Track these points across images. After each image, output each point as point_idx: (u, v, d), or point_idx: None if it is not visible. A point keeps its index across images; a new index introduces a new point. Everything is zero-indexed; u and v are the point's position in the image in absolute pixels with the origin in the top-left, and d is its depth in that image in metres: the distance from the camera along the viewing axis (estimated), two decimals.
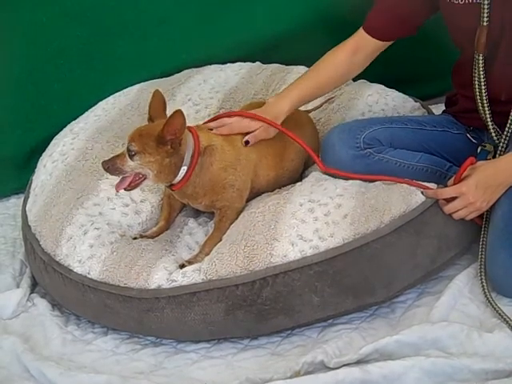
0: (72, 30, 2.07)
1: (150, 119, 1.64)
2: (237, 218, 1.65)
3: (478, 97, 1.68)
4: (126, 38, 2.12)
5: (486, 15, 1.58)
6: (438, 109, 1.99)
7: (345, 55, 1.76)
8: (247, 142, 1.71)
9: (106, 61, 2.13)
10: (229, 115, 1.76)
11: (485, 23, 1.59)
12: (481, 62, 1.64)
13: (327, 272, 1.52)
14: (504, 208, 1.59)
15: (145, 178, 1.59)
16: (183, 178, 1.61)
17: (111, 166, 1.57)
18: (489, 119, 1.69)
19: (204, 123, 1.76)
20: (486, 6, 1.57)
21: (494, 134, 1.71)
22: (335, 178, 1.71)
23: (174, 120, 1.54)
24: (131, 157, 1.56)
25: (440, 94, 2.07)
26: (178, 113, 1.54)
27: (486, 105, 1.68)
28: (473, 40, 1.63)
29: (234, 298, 1.52)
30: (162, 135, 1.55)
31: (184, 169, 1.60)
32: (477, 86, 1.67)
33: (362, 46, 1.76)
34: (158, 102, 1.65)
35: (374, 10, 1.75)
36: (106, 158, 1.60)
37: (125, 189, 1.60)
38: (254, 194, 1.73)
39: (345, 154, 1.72)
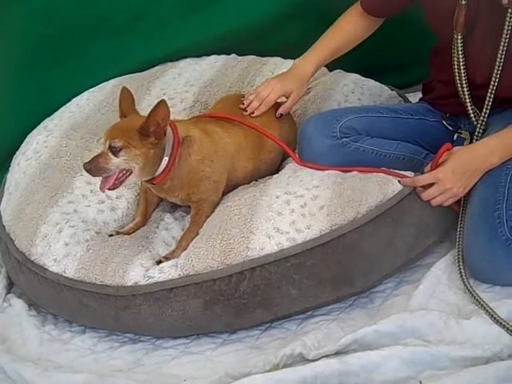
0: (42, 28, 2.03)
1: (123, 116, 1.63)
2: (213, 211, 1.64)
3: (457, 78, 1.68)
4: (100, 34, 2.09)
5: None
6: (416, 97, 1.99)
7: (359, 15, 1.83)
8: (281, 115, 1.81)
9: (79, 58, 2.10)
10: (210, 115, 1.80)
11: (463, 2, 1.59)
12: (459, 42, 1.64)
13: (305, 264, 1.51)
14: (480, 193, 1.59)
15: (130, 174, 1.57)
16: (165, 169, 1.59)
17: (94, 166, 1.53)
18: (468, 101, 1.69)
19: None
20: None
21: (472, 116, 1.71)
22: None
23: (159, 110, 1.54)
24: (115, 153, 1.54)
25: (417, 82, 2.07)
26: (162, 103, 1.54)
27: (465, 86, 1.68)
28: (450, 21, 1.63)
29: (211, 292, 1.51)
30: (146, 127, 1.54)
31: (165, 159, 1.59)
32: (456, 67, 1.67)
33: None
34: (127, 99, 1.64)
35: None
36: (87, 160, 1.56)
37: (109, 188, 1.57)
38: (231, 187, 1.72)
39: (321, 143, 1.71)
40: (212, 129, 1.71)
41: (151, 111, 1.54)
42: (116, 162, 1.54)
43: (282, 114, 1.81)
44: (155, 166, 1.58)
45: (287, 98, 1.82)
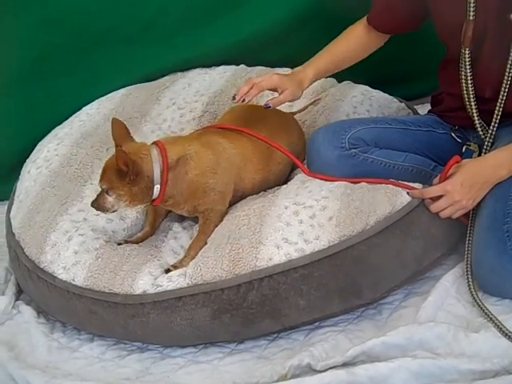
0: (52, 38, 2.04)
1: (118, 146, 1.62)
2: (220, 221, 1.64)
3: (465, 92, 1.69)
4: (109, 43, 2.10)
5: (472, 9, 1.59)
6: (424, 109, 1.99)
7: (364, 29, 1.81)
8: (268, 106, 1.71)
9: (89, 67, 2.11)
10: (217, 126, 1.79)
11: (471, 17, 1.60)
12: (467, 56, 1.64)
13: (313, 275, 1.51)
14: (489, 206, 1.59)
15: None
16: (159, 195, 1.61)
17: (97, 205, 1.60)
18: (475, 115, 1.70)
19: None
20: (472, 0, 1.58)
21: (480, 130, 1.71)
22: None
23: (117, 160, 1.54)
24: (107, 193, 1.58)
25: (426, 93, 2.07)
26: (118, 153, 1.54)
27: (472, 101, 1.68)
28: (459, 35, 1.63)
29: (219, 302, 1.51)
30: (120, 169, 1.55)
31: (157, 187, 1.59)
32: (463, 81, 1.68)
33: None
34: (119, 129, 1.64)
35: (376, 6, 1.78)
36: (93, 198, 1.62)
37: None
38: (239, 198, 1.72)
39: (330, 154, 1.71)
40: (216, 141, 1.71)
41: (116, 159, 1.55)
42: (111, 201, 1.59)
43: (269, 106, 1.71)
44: (146, 196, 1.60)
45: (280, 94, 1.74)
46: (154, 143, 1.64)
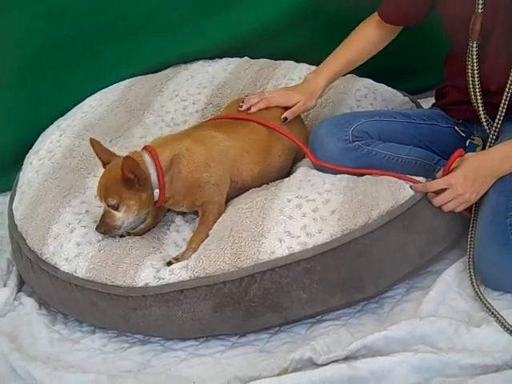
0: (56, 29, 2.05)
1: (105, 165, 1.63)
2: (220, 213, 1.64)
3: (471, 86, 1.68)
4: (113, 35, 2.10)
5: (481, 2, 1.58)
6: (428, 103, 1.99)
7: (373, 27, 1.83)
8: (285, 119, 1.78)
9: (92, 59, 2.11)
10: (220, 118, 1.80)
11: (480, 10, 1.59)
12: (475, 49, 1.64)
13: (315, 268, 1.51)
14: (492, 200, 1.58)
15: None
16: (159, 198, 1.62)
17: (106, 228, 1.59)
18: (481, 108, 1.69)
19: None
20: None
21: (485, 124, 1.71)
22: (324, 172, 1.70)
23: (124, 167, 1.54)
24: (116, 209, 1.58)
25: (430, 87, 2.07)
26: (125, 161, 1.54)
27: (478, 94, 1.68)
28: (466, 28, 1.63)
29: (221, 295, 1.51)
30: (126, 179, 1.56)
31: (156, 191, 1.61)
32: (470, 74, 1.67)
33: None
34: (99, 148, 1.64)
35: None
36: (96, 224, 1.61)
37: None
38: (240, 190, 1.71)
39: (333, 146, 1.71)
40: (209, 135, 1.71)
41: (121, 168, 1.55)
42: (121, 217, 1.59)
43: (286, 118, 1.78)
44: (151, 200, 1.61)
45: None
46: (144, 149, 1.64)
